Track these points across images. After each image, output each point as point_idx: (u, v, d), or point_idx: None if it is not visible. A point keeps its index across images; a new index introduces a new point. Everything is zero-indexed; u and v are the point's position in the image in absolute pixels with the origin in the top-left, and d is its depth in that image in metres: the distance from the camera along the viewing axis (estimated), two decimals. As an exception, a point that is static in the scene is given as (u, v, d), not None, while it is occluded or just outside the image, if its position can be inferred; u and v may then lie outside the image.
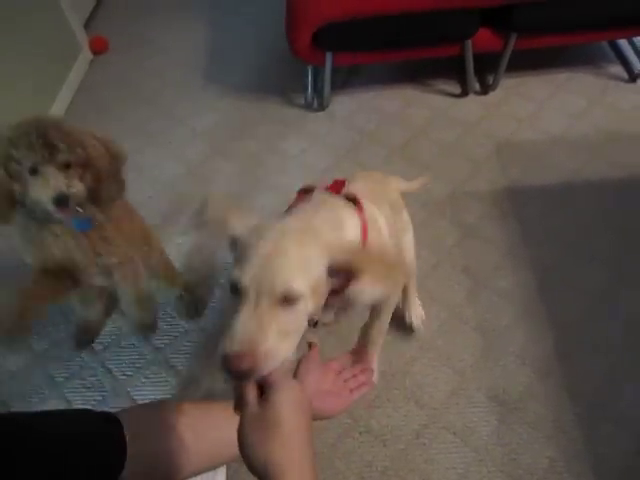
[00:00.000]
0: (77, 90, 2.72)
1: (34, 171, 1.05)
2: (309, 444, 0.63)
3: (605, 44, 2.66)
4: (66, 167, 1.07)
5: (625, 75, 2.51)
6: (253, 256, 0.73)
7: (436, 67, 2.56)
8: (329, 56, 2.22)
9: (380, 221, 1.06)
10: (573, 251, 1.83)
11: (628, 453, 1.38)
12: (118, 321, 1.72)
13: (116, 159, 1.20)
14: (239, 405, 0.65)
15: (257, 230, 0.79)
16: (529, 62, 2.54)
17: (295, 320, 0.73)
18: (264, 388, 0.65)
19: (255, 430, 0.61)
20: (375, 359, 1.31)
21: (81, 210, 1.16)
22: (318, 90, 2.47)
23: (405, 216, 1.39)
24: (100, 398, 1.57)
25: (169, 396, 1.54)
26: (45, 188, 1.05)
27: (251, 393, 0.65)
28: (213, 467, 1.01)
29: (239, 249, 0.78)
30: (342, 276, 0.78)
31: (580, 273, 1.77)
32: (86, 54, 2.86)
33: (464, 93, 2.48)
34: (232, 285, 0.73)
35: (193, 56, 2.90)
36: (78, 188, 1.09)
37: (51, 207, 1.06)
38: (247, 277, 0.71)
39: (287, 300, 0.71)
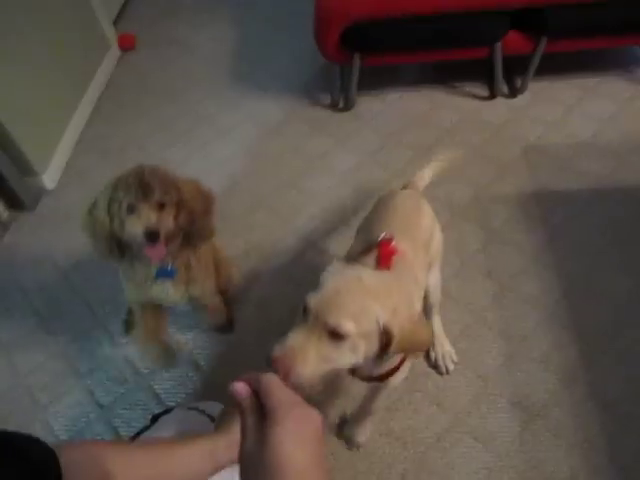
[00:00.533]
0: (105, 85, 2.76)
1: (131, 210, 1.14)
2: None
3: (637, 48, 2.61)
4: (160, 207, 1.16)
5: (657, 80, 2.46)
6: (326, 288, 0.84)
7: (464, 69, 2.53)
8: (357, 57, 2.21)
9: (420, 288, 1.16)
10: (599, 257, 1.80)
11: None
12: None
13: (207, 200, 1.29)
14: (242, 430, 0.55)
15: (340, 268, 0.90)
16: (558, 65, 2.50)
17: (335, 353, 0.81)
18: (265, 414, 0.53)
19: (254, 476, 0.51)
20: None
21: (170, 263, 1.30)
22: (344, 90, 2.46)
23: (436, 243, 1.33)
24: (123, 391, 1.60)
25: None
26: (138, 223, 1.13)
27: (249, 418, 0.54)
28: None
29: (322, 280, 0.88)
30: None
31: (606, 280, 1.74)
32: (115, 51, 2.90)
33: (492, 96, 2.46)
34: (304, 304, 0.83)
35: (220, 55, 2.92)
36: (168, 225, 1.17)
37: (141, 240, 1.14)
38: (314, 302, 0.82)
39: (335, 335, 0.80)
